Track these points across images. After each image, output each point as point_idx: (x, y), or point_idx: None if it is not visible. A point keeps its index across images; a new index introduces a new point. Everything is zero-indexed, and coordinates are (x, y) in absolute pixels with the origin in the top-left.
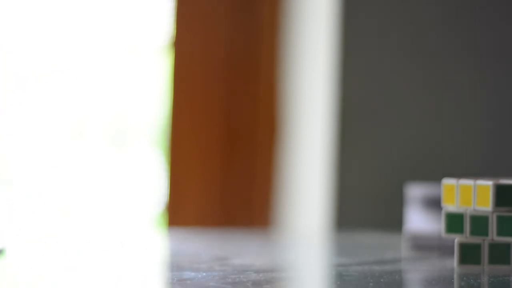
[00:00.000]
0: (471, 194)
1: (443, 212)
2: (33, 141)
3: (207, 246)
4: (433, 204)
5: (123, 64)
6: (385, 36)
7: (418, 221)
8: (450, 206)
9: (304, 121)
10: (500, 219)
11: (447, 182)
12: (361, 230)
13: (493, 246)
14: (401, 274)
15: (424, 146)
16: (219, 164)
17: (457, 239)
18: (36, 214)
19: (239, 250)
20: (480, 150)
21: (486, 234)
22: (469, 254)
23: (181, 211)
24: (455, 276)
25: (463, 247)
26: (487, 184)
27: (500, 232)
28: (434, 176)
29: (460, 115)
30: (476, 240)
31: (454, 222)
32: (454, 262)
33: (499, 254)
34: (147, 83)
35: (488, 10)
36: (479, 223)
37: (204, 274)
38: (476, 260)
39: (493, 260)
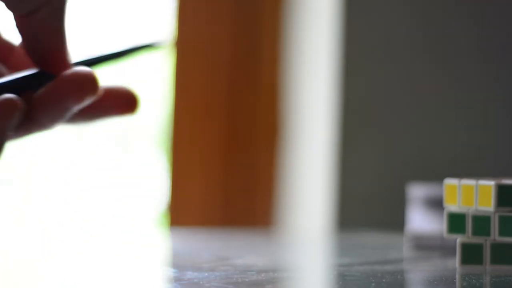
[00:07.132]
0: (473, 194)
1: (445, 212)
2: (35, 142)
3: (209, 246)
4: (435, 204)
5: (125, 64)
6: (387, 36)
7: (420, 221)
8: (452, 206)
9: (306, 122)
10: (502, 219)
11: (449, 182)
12: (363, 230)
13: (495, 246)
14: (403, 274)
15: (426, 146)
16: (222, 165)
17: (459, 239)
18: (38, 214)
19: (241, 250)
20: (482, 150)
21: (488, 234)
22: (471, 254)
23: (184, 211)
24: (457, 276)
25: (465, 247)
26: (489, 184)
27: (502, 232)
28: (436, 176)
29: (461, 115)
30: (478, 240)
31: (456, 222)
32: (456, 262)
33: (501, 254)
34: (149, 83)
35: (490, 11)
36: (481, 223)
37: (206, 274)
38: (478, 260)
39: (495, 260)
